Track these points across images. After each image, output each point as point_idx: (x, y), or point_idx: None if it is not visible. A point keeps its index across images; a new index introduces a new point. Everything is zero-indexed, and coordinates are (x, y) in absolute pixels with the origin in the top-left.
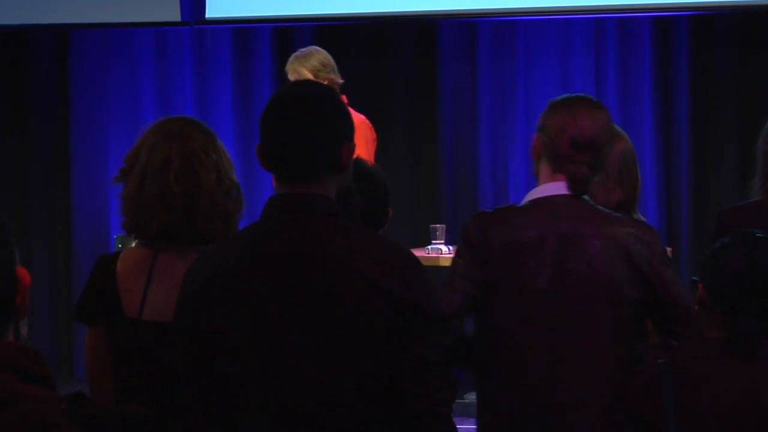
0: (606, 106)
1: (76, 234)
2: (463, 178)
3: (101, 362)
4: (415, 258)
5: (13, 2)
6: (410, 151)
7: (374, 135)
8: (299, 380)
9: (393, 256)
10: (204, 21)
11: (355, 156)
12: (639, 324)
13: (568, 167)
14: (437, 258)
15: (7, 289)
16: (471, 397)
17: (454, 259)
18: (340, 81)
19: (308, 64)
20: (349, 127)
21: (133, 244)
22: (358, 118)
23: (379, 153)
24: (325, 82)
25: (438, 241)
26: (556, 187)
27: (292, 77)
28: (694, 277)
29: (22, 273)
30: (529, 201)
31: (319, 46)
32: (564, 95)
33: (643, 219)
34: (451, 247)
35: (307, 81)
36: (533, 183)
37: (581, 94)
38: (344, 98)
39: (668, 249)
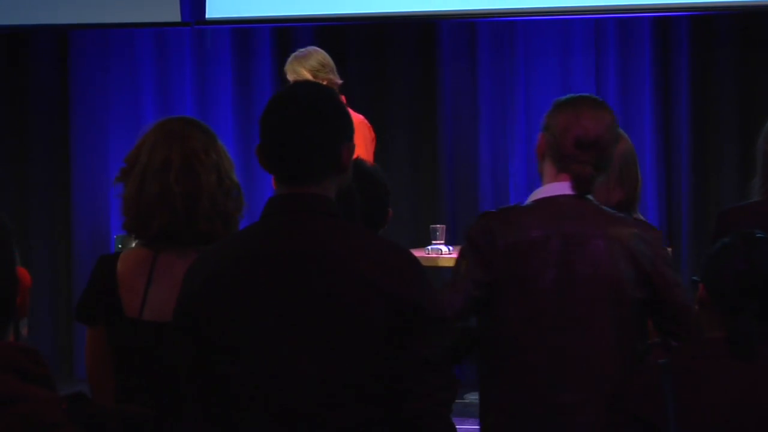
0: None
1: (76, 234)
2: (463, 178)
3: (101, 362)
4: (415, 258)
5: (13, 2)
6: (410, 151)
7: (373, 135)
8: (299, 380)
9: (393, 256)
10: (204, 21)
11: (354, 156)
12: (641, 324)
13: (572, 167)
14: (437, 258)
15: (7, 289)
16: (471, 397)
17: (457, 260)
18: (339, 81)
19: (307, 65)
20: (348, 127)
21: (134, 244)
22: (356, 118)
23: (379, 153)
24: (324, 83)
25: (438, 242)
26: (561, 187)
27: (291, 77)
28: (694, 277)
29: (22, 273)
30: (533, 201)
31: (319, 46)
32: (569, 95)
33: (644, 219)
34: (451, 248)
35: (307, 81)
36: (533, 183)
37: (586, 94)
38: (343, 98)
39: (668, 249)
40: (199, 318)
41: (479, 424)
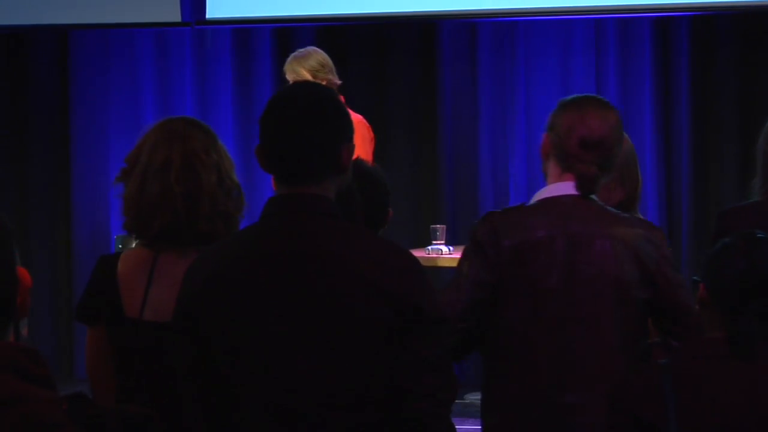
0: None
1: (76, 234)
2: (463, 178)
3: (102, 362)
4: (415, 259)
5: (13, 2)
6: (410, 151)
7: (371, 135)
8: (299, 380)
9: (393, 256)
10: (204, 21)
11: (354, 156)
12: (643, 324)
13: (577, 167)
14: (437, 258)
15: (7, 290)
16: (471, 397)
17: (460, 261)
18: (338, 82)
19: (307, 65)
20: (348, 127)
21: (134, 245)
22: (355, 117)
23: (379, 153)
24: (323, 83)
25: (438, 242)
26: (565, 187)
27: (290, 77)
28: (694, 277)
29: (22, 273)
30: (537, 201)
31: (319, 46)
32: (574, 95)
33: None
34: (451, 248)
35: (306, 82)
36: (533, 183)
37: (591, 94)
38: (342, 99)
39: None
40: (199, 318)
41: (481, 424)
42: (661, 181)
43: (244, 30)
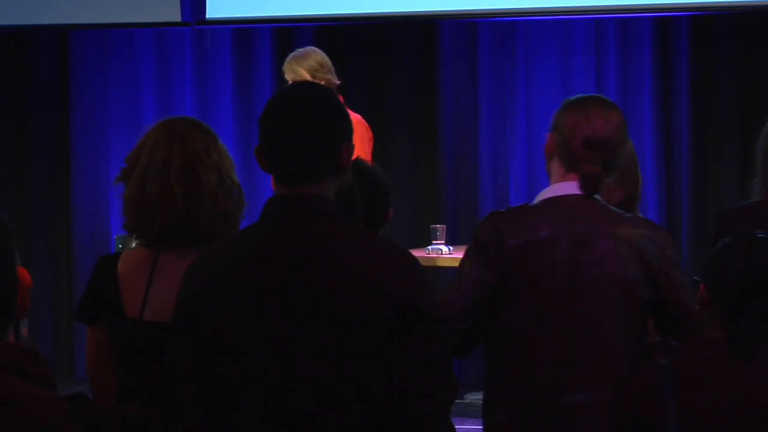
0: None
1: (76, 234)
2: (463, 178)
3: (102, 362)
4: (415, 259)
5: (13, 2)
6: (410, 151)
7: (370, 134)
8: (299, 380)
9: (393, 256)
10: (204, 21)
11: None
12: (644, 323)
13: (580, 166)
14: (437, 258)
15: (7, 290)
16: (471, 397)
17: (462, 261)
18: (337, 82)
19: (306, 64)
20: (348, 127)
21: (134, 245)
22: (353, 117)
23: (379, 153)
24: (322, 83)
25: (438, 242)
26: (569, 187)
27: (289, 77)
28: (695, 277)
29: (22, 273)
30: (541, 200)
31: (319, 46)
32: (578, 95)
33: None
34: (451, 248)
35: (306, 82)
36: (533, 183)
37: (594, 94)
38: (341, 98)
39: None
40: (199, 318)
41: (483, 424)
42: (661, 181)
43: (244, 30)
